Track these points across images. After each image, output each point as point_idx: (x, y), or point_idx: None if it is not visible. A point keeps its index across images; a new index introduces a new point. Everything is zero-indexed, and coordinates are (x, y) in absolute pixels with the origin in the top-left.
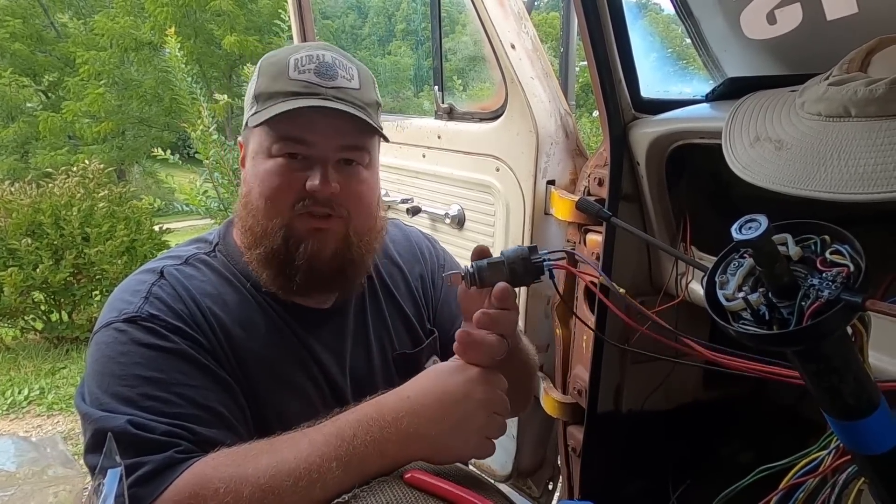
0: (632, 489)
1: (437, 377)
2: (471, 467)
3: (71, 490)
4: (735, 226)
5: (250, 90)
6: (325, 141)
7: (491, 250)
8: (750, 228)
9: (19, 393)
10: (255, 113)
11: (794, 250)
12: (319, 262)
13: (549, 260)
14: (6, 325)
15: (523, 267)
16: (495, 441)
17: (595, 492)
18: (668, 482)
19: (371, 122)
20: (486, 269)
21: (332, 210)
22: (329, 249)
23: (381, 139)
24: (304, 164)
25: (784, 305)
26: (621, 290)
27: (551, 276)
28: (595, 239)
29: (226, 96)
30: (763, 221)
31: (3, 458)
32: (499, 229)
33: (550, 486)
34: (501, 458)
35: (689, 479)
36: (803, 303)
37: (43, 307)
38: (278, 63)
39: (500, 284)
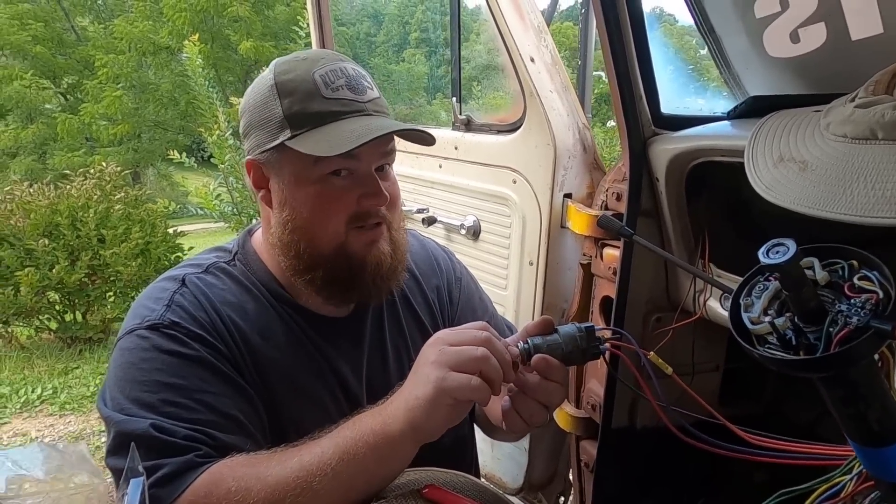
0: None
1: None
2: (482, 480)
3: (96, 499)
4: (762, 249)
5: (272, 112)
6: (370, 152)
7: (506, 263)
8: (777, 252)
9: (32, 392)
10: (295, 136)
11: (821, 275)
12: (381, 272)
13: (604, 345)
14: (21, 324)
15: (580, 354)
16: (508, 451)
17: None
18: (682, 500)
19: (421, 130)
20: (543, 348)
21: (380, 217)
22: (386, 257)
23: (427, 141)
24: (351, 179)
25: (811, 330)
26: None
27: (603, 356)
28: (612, 254)
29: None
30: (791, 246)
31: (32, 464)
32: (514, 241)
33: (561, 501)
34: (513, 470)
35: (704, 498)
36: (831, 329)
37: (58, 307)
38: (303, 81)
39: (553, 361)
